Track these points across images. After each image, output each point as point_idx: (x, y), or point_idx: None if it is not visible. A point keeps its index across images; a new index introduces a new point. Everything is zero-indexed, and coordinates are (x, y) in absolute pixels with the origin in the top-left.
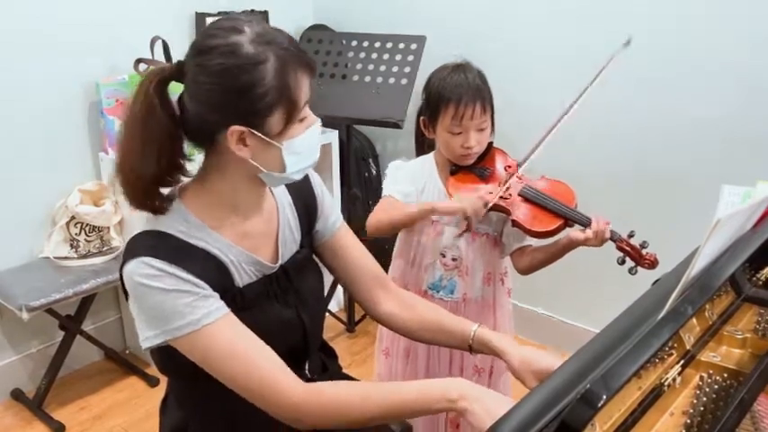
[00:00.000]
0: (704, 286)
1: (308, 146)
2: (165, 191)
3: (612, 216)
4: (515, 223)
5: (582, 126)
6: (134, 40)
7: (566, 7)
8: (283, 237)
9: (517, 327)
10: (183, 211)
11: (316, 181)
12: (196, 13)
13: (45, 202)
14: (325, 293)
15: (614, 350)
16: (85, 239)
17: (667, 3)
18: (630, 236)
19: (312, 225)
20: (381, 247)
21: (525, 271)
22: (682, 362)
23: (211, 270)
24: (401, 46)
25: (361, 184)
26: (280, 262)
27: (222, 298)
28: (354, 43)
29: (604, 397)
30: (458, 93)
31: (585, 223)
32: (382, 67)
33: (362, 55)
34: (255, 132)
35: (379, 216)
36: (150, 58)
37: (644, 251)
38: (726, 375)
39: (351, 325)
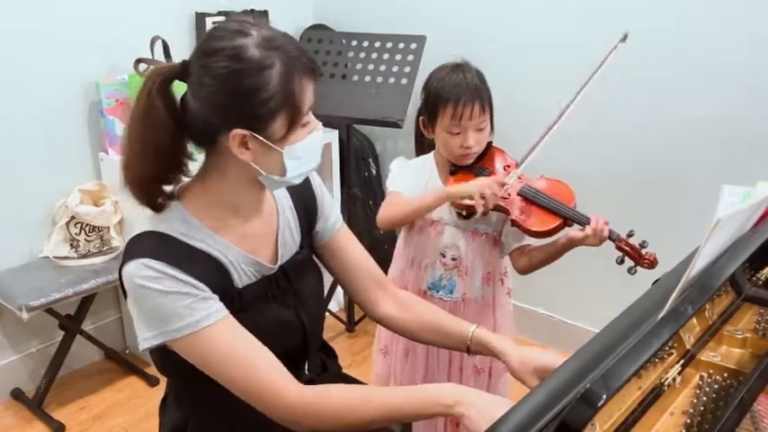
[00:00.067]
0: (704, 286)
1: (309, 151)
2: (167, 188)
3: (612, 216)
4: (514, 223)
5: (582, 126)
6: (134, 40)
7: (565, 7)
8: (283, 237)
9: (517, 327)
10: (183, 211)
11: (316, 182)
12: (196, 13)
13: (45, 202)
14: (325, 294)
15: (614, 350)
16: (85, 239)
17: (667, 2)
18: (630, 235)
19: (312, 226)
20: (381, 247)
21: (524, 271)
22: (682, 361)
23: (211, 271)
24: (401, 46)
25: (360, 184)
26: (279, 263)
27: (222, 299)
28: (354, 43)
29: (604, 396)
30: (456, 93)
31: (584, 223)
32: (382, 67)
33: (362, 55)
34: (257, 136)
35: (391, 210)
36: (150, 58)
37: (643, 251)
38: (726, 375)
39: (351, 325)
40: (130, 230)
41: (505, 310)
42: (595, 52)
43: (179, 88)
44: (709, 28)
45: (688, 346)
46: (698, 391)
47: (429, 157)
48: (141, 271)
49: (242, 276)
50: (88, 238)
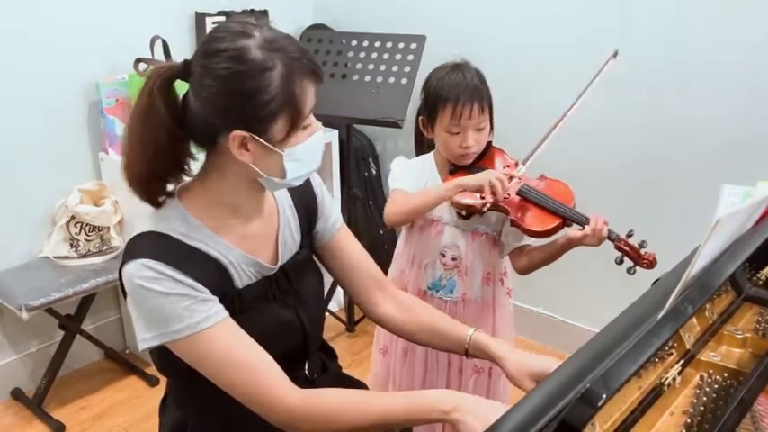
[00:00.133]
0: (704, 286)
1: (310, 153)
2: (170, 187)
3: (612, 216)
4: (514, 223)
5: (581, 125)
6: (134, 40)
7: (565, 7)
8: (283, 238)
9: (517, 327)
10: (183, 211)
11: (316, 181)
12: (196, 12)
13: (45, 201)
14: (325, 294)
15: (614, 350)
16: (85, 239)
17: (667, 3)
18: (629, 235)
19: (312, 226)
20: (381, 247)
21: (524, 270)
22: (682, 361)
23: (211, 272)
24: (401, 45)
25: (360, 184)
26: (279, 263)
27: (222, 301)
28: (354, 43)
29: (604, 396)
30: (456, 92)
31: (584, 223)
32: (382, 67)
33: (362, 55)
34: (258, 138)
35: (398, 207)
36: (150, 57)
37: (642, 251)
38: (726, 375)
39: (350, 325)
40: (130, 230)
41: (505, 311)
42: (595, 52)
43: (181, 88)
44: (709, 28)
45: (688, 346)
46: (698, 391)
47: (429, 157)
48: (141, 271)
49: (242, 277)
50: (88, 238)
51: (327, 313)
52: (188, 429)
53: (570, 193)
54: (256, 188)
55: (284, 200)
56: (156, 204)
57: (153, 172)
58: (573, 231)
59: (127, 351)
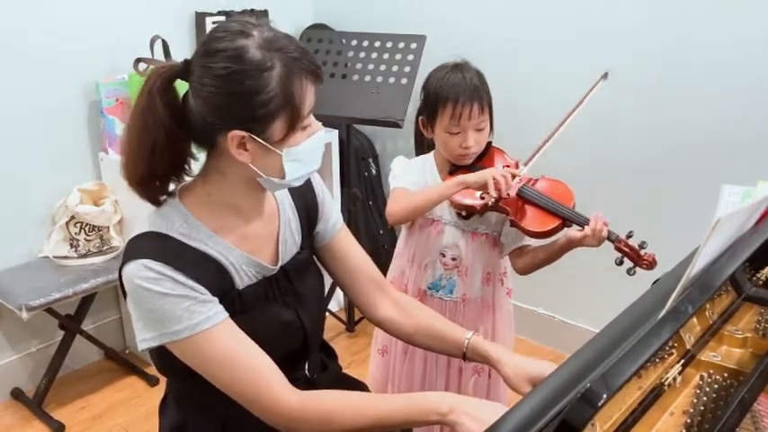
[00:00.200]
0: (704, 286)
1: (309, 153)
2: (170, 186)
3: (612, 216)
4: (513, 223)
5: (581, 126)
6: (134, 40)
7: (565, 7)
8: (284, 238)
9: (517, 327)
10: (184, 211)
11: (317, 182)
12: (196, 12)
13: (45, 201)
14: (325, 294)
15: (614, 350)
16: (85, 239)
17: (668, 2)
18: (629, 236)
19: (313, 227)
20: (381, 247)
21: (524, 271)
22: (682, 361)
23: (211, 273)
24: (401, 45)
25: (361, 184)
26: (280, 263)
27: (222, 301)
28: (354, 43)
29: (605, 396)
30: (455, 93)
31: (583, 223)
32: (382, 67)
33: (362, 54)
34: (256, 138)
35: (400, 205)
36: (150, 57)
37: (642, 251)
38: (726, 375)
39: (350, 325)
40: (130, 230)
41: (505, 311)
42: (595, 52)
43: (182, 87)
44: (709, 28)
45: (688, 346)
46: (698, 391)
47: (429, 157)
48: (141, 272)
49: (243, 277)
50: (88, 238)
51: (327, 313)
52: (188, 429)
53: (570, 194)
54: (256, 188)
55: (285, 200)
56: (157, 203)
57: (153, 172)
58: (573, 232)
59: (127, 351)
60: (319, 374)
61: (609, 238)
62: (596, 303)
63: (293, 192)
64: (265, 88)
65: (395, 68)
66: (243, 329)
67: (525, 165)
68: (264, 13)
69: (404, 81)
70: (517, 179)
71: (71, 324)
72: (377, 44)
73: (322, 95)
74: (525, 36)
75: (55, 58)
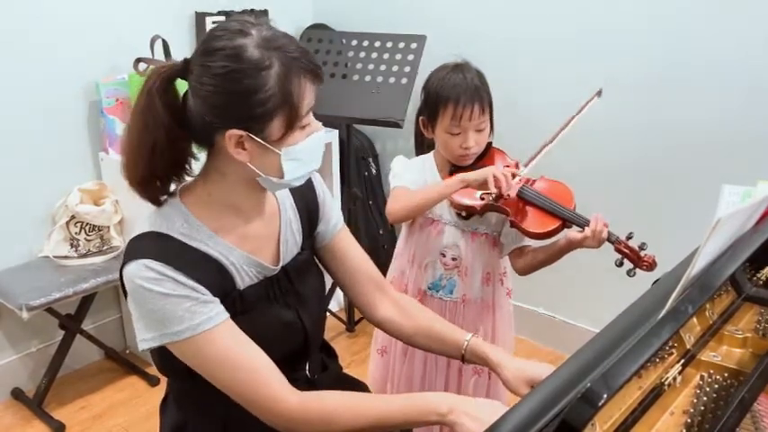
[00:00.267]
0: (705, 286)
1: (309, 153)
2: (171, 186)
3: (612, 216)
4: (513, 224)
5: (581, 126)
6: (134, 40)
7: (565, 7)
8: (285, 238)
9: (517, 327)
10: (185, 211)
11: (318, 182)
12: (196, 12)
13: (45, 201)
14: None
15: (614, 350)
16: (85, 239)
17: (668, 2)
18: (629, 237)
19: (314, 227)
20: (381, 247)
21: (523, 271)
22: (682, 361)
23: (212, 274)
24: (401, 45)
25: (361, 184)
26: (281, 264)
27: (223, 302)
28: (354, 43)
29: (605, 396)
30: (456, 93)
31: (583, 224)
32: (382, 67)
33: (362, 54)
34: (254, 137)
35: (400, 203)
36: (150, 57)
37: (642, 253)
38: (726, 375)
39: (350, 325)
40: (131, 230)
41: (505, 311)
42: (596, 52)
43: (183, 87)
44: (709, 28)
45: (688, 346)
46: (698, 391)
47: (429, 157)
48: (142, 272)
49: (244, 278)
50: (88, 238)
51: (327, 313)
52: (188, 429)
53: (570, 195)
54: (256, 188)
55: (286, 200)
56: (158, 203)
57: (153, 172)
58: (573, 233)
59: (127, 351)
60: (320, 375)
61: (609, 240)
62: (596, 303)
63: (294, 192)
64: (263, 87)
65: (395, 68)
66: (244, 330)
67: (525, 166)
68: (264, 12)
69: (404, 81)
70: (517, 179)
71: (71, 324)
72: (377, 44)
73: (322, 95)
74: (525, 36)
75: (55, 58)
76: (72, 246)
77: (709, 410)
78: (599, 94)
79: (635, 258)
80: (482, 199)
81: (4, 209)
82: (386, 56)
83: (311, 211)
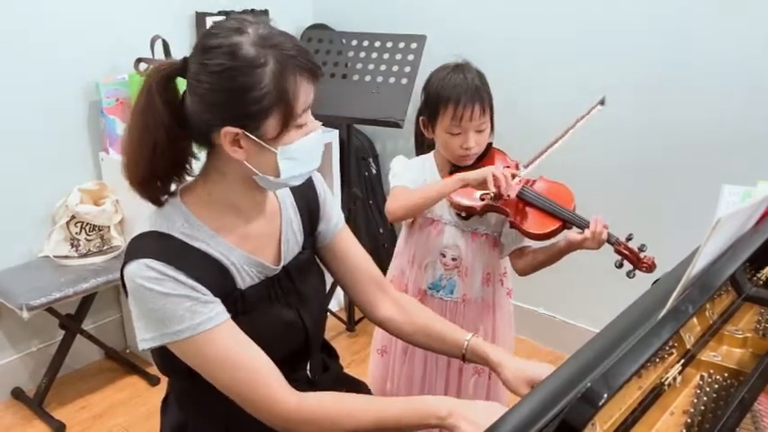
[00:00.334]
0: (705, 286)
1: (306, 152)
2: (172, 186)
3: (612, 216)
4: (513, 225)
5: (581, 126)
6: (134, 40)
7: (565, 7)
8: (286, 237)
9: (517, 327)
10: (185, 211)
11: (318, 181)
12: (196, 12)
13: (45, 201)
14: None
15: (614, 350)
16: (86, 238)
17: (668, 2)
18: (629, 239)
19: (315, 226)
20: (381, 247)
21: (524, 272)
22: (682, 361)
23: (212, 274)
24: (401, 45)
25: (361, 184)
26: (282, 263)
27: (224, 302)
28: (354, 43)
29: (605, 396)
30: (457, 93)
31: (583, 226)
32: (382, 67)
33: (362, 54)
34: (249, 135)
35: (400, 202)
36: (150, 57)
37: (642, 254)
38: (726, 375)
39: (351, 324)
40: (131, 230)
41: (505, 311)
42: (596, 52)
43: (183, 86)
44: (709, 28)
45: (688, 346)
46: (698, 391)
47: (429, 157)
48: (143, 272)
49: (244, 278)
50: (88, 238)
51: (328, 313)
52: (189, 429)
53: (570, 196)
54: (256, 188)
55: (287, 199)
56: (159, 203)
57: (154, 172)
58: (573, 235)
59: (127, 351)
60: (320, 375)
61: (609, 241)
62: (596, 304)
63: (295, 191)
64: (258, 84)
65: (395, 68)
66: (245, 330)
67: (525, 167)
68: (265, 12)
69: (404, 81)
70: (517, 179)
71: (71, 324)
72: (377, 44)
73: (322, 95)
74: (525, 36)
75: (55, 58)
76: (72, 246)
77: (710, 410)
78: (602, 102)
79: (634, 260)
80: (482, 199)
81: (4, 209)
82: (386, 56)
83: (312, 210)
